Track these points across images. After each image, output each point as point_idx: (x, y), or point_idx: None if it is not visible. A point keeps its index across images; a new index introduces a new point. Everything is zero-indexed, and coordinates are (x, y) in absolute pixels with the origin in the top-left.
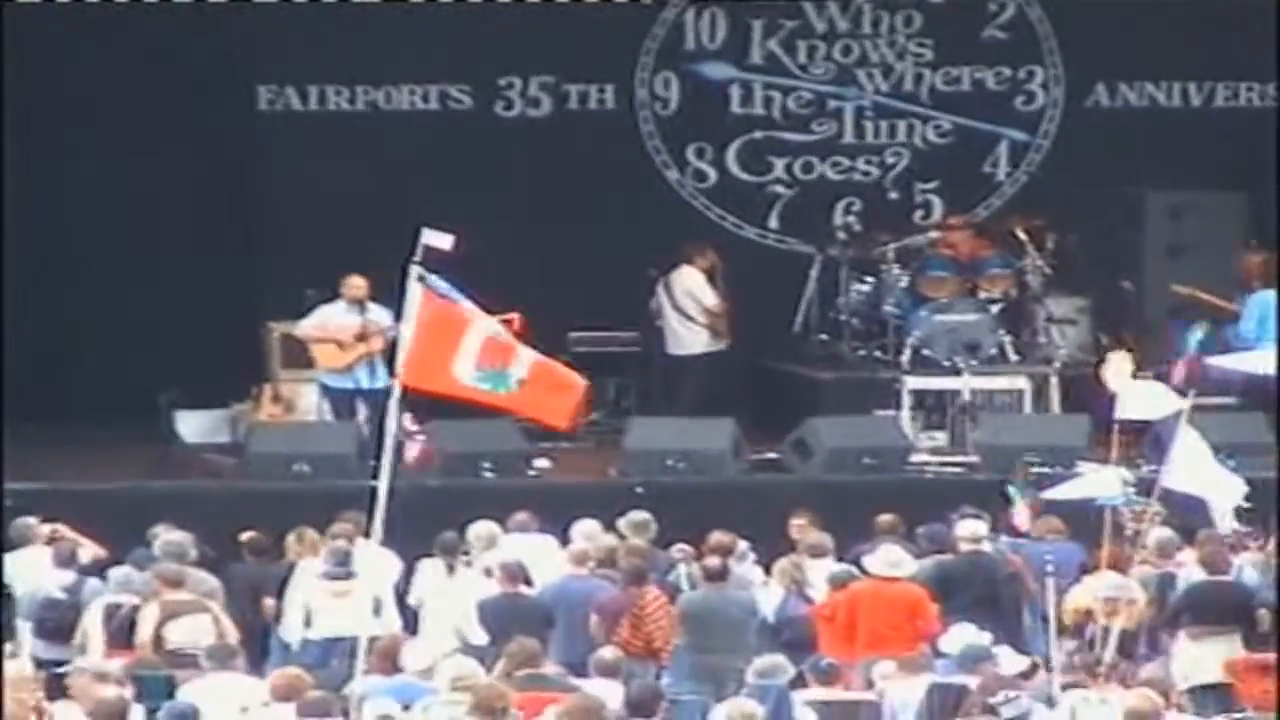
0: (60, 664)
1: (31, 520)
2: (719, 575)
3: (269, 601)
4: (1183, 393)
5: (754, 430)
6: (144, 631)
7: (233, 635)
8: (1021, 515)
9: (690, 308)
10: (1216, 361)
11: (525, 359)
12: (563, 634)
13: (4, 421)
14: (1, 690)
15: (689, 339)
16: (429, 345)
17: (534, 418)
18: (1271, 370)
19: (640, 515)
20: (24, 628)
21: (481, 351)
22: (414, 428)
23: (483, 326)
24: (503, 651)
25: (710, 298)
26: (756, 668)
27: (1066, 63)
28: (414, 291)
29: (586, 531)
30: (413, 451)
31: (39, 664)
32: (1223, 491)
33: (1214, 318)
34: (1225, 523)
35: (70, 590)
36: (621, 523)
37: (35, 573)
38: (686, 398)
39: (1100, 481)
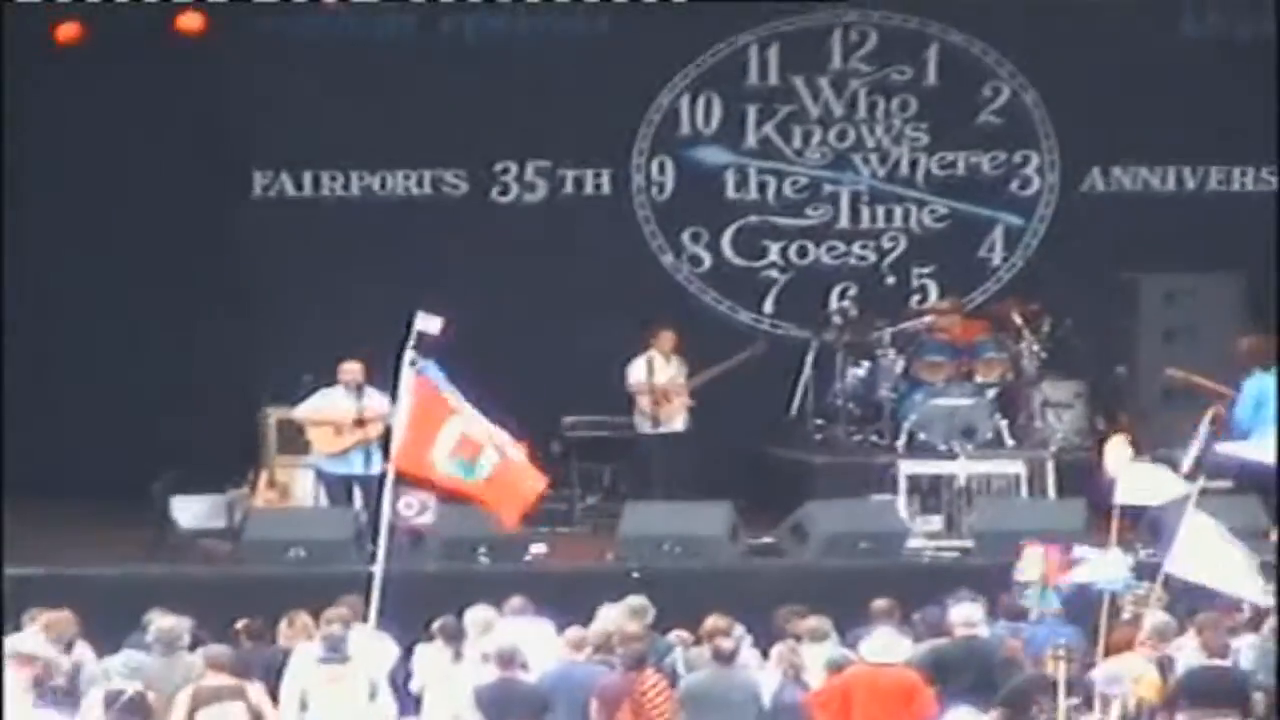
0: None
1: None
2: (729, 658)
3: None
4: (1192, 477)
5: (750, 515)
6: (175, 717)
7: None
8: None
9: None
10: (1225, 449)
11: (495, 453)
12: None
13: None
14: None
15: (640, 421)
16: (416, 430)
17: (492, 510)
18: (1270, 459)
19: (638, 600)
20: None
21: (458, 442)
22: (430, 500)
23: (463, 420)
24: None
25: (638, 378)
26: None
27: (1061, 147)
28: (407, 377)
29: (606, 616)
30: (427, 518)
31: None
32: (1239, 579)
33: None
34: (1259, 597)
35: (69, 676)
36: (618, 608)
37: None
38: (655, 479)
39: (1106, 566)
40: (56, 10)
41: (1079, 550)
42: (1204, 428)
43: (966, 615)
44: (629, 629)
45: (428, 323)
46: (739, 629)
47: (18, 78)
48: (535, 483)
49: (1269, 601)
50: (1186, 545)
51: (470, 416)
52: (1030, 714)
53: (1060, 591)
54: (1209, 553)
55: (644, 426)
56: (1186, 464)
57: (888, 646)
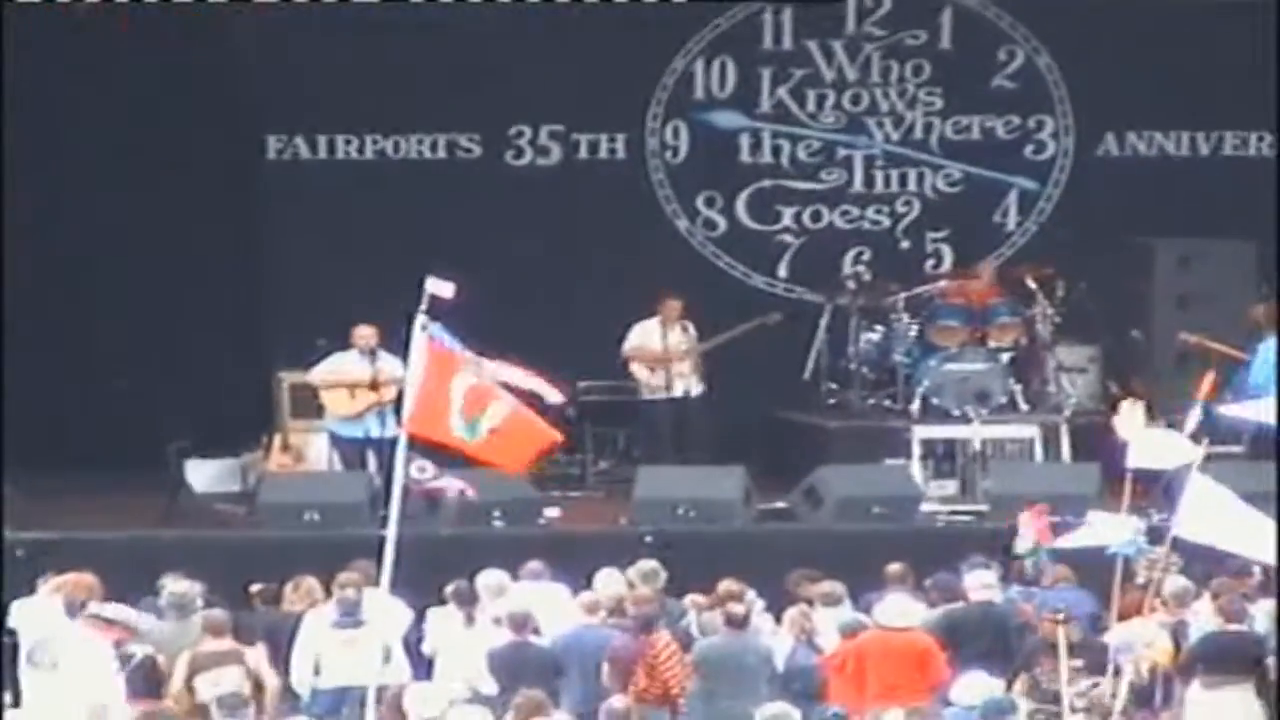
0: None
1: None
2: (741, 623)
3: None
4: (1196, 440)
5: (764, 479)
6: (174, 683)
7: (272, 685)
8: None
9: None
10: (1227, 410)
11: (501, 410)
12: (574, 683)
13: (11, 471)
14: None
15: (640, 386)
16: (430, 394)
17: (490, 463)
18: (1271, 419)
19: (649, 564)
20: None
21: (465, 400)
22: (430, 473)
23: (470, 374)
24: (510, 702)
25: (636, 343)
26: (763, 716)
27: (1076, 112)
28: (419, 340)
29: (606, 579)
30: (453, 489)
31: None
32: (1246, 539)
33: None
34: (1267, 555)
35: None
36: (631, 571)
37: (44, 620)
38: (668, 443)
39: (1111, 529)
40: None
41: (1090, 515)
42: (1204, 391)
43: (981, 580)
44: (640, 592)
45: (440, 287)
46: (750, 593)
47: (28, 40)
48: (545, 434)
49: (1272, 560)
50: (1193, 508)
51: (479, 369)
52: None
53: (1054, 553)
54: (1216, 515)
55: (644, 392)
56: (1188, 428)
57: (901, 611)
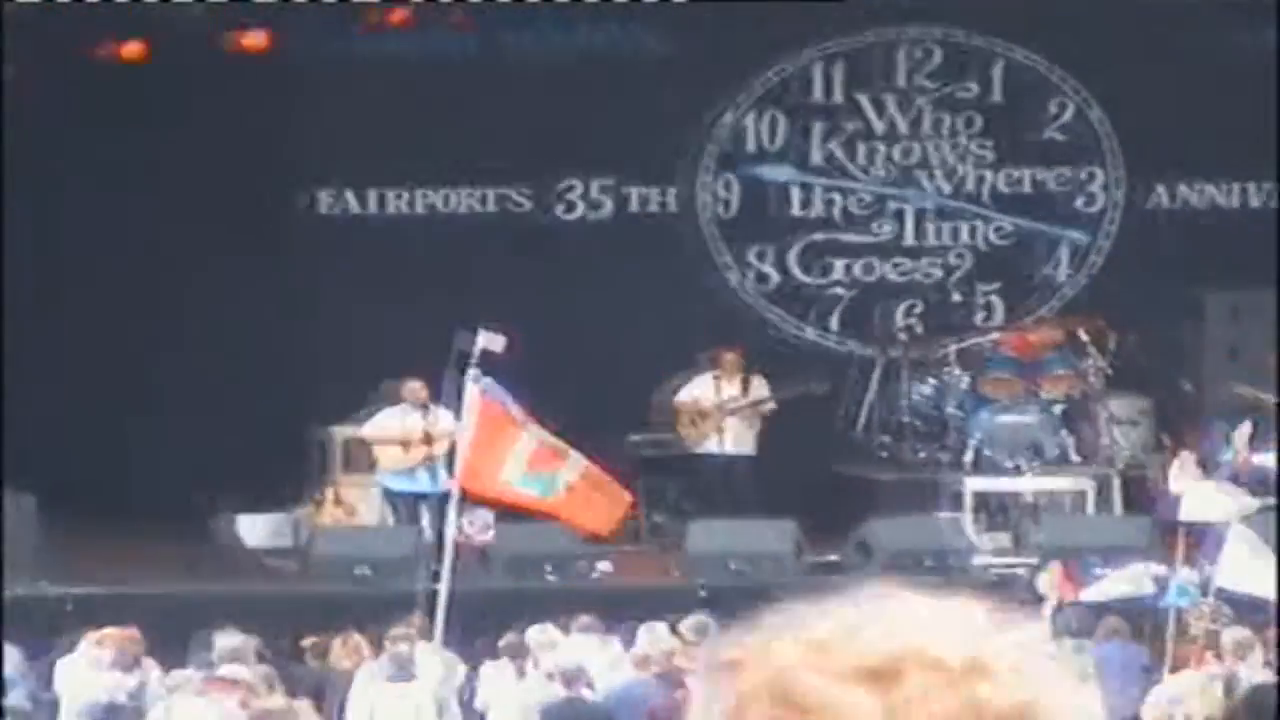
0: None
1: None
2: None
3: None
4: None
5: (815, 532)
6: None
7: None
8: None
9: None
10: (1258, 460)
11: (575, 465)
12: None
13: (63, 524)
14: None
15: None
16: (483, 449)
17: (575, 524)
18: None
19: (700, 618)
20: None
21: (532, 456)
22: (489, 517)
23: (534, 431)
24: None
25: (707, 399)
26: None
27: (1126, 163)
28: (471, 394)
29: (648, 634)
30: (489, 535)
31: None
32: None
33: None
34: None
35: (133, 695)
36: (682, 626)
37: (85, 678)
38: (720, 497)
39: (1130, 578)
40: (122, 27)
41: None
42: (1239, 441)
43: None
44: (679, 648)
45: (491, 340)
46: None
47: (79, 91)
48: (620, 494)
49: None
50: (1234, 558)
51: (538, 431)
52: None
53: (1070, 608)
54: (1254, 563)
55: (690, 445)
56: (1223, 476)
57: None
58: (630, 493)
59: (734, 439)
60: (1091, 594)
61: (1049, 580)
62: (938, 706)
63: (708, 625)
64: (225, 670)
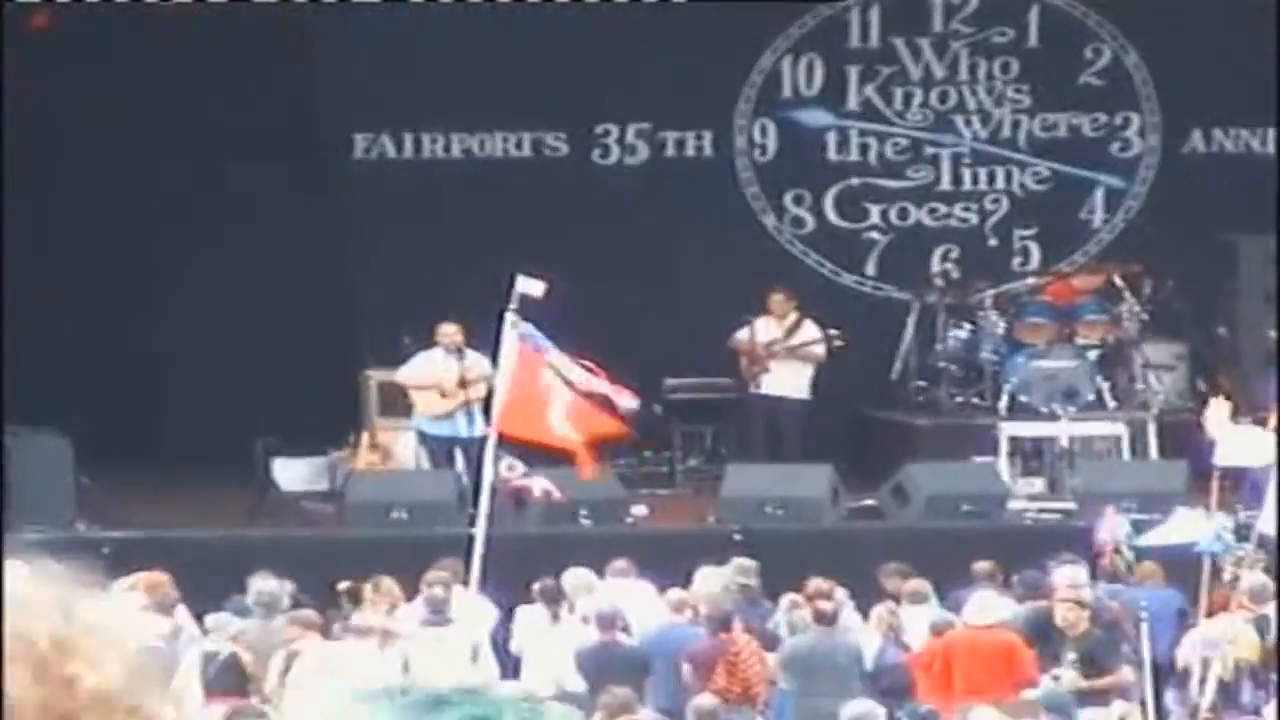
0: None
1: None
2: (830, 619)
3: None
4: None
5: (851, 477)
6: (269, 681)
7: None
8: None
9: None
10: None
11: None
12: (661, 682)
13: (97, 467)
14: None
15: (804, 383)
16: (523, 393)
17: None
18: None
19: (748, 562)
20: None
21: (569, 404)
22: (518, 470)
23: (567, 376)
24: (598, 701)
25: (741, 339)
26: (849, 714)
27: (1162, 109)
28: (509, 339)
29: (705, 578)
30: (538, 489)
31: None
32: None
33: None
34: None
35: (167, 639)
36: (728, 569)
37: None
38: (790, 441)
39: (1191, 525)
40: None
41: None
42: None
43: (1070, 577)
44: (712, 591)
45: (529, 285)
46: (840, 591)
47: (120, 34)
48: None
49: None
50: (1275, 505)
51: (560, 367)
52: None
53: (1142, 550)
54: None
55: (750, 386)
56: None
57: (986, 608)
58: (652, 438)
59: (779, 382)
60: (1151, 538)
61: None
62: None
63: (752, 569)
64: (365, 616)
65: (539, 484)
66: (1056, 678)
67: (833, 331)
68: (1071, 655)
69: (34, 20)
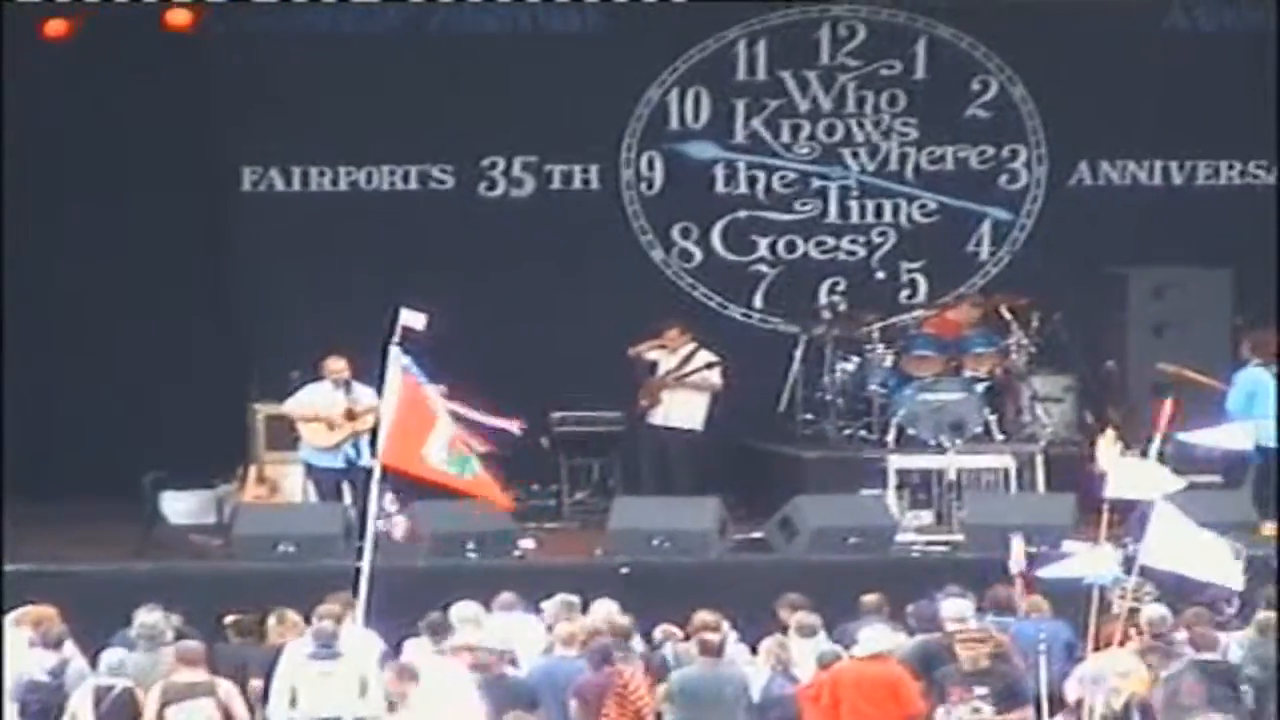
0: None
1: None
2: (716, 651)
3: (255, 683)
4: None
5: (739, 510)
6: (147, 714)
7: (242, 718)
8: None
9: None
10: (1191, 437)
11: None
12: (550, 715)
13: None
14: None
15: (698, 414)
16: (405, 426)
17: (491, 499)
18: (1248, 445)
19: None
20: (10, 710)
21: (452, 437)
22: (394, 507)
23: (446, 418)
24: None
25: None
26: None
27: (1050, 141)
28: (393, 373)
29: (557, 606)
30: (399, 530)
31: None
32: (1212, 566)
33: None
34: (1234, 582)
35: (54, 673)
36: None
37: (16, 654)
38: (679, 473)
39: (1092, 561)
40: (45, 7)
41: (1067, 545)
42: (1162, 422)
43: (957, 610)
44: (593, 625)
45: (412, 318)
46: (725, 625)
47: (8, 75)
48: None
49: (1239, 586)
50: (1159, 536)
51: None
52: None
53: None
54: (1181, 543)
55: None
56: (1150, 457)
57: (873, 640)
58: (538, 471)
59: (671, 413)
60: (1049, 572)
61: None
62: None
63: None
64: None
65: (398, 526)
66: (978, 710)
67: (714, 359)
68: (982, 690)
69: (49, 27)
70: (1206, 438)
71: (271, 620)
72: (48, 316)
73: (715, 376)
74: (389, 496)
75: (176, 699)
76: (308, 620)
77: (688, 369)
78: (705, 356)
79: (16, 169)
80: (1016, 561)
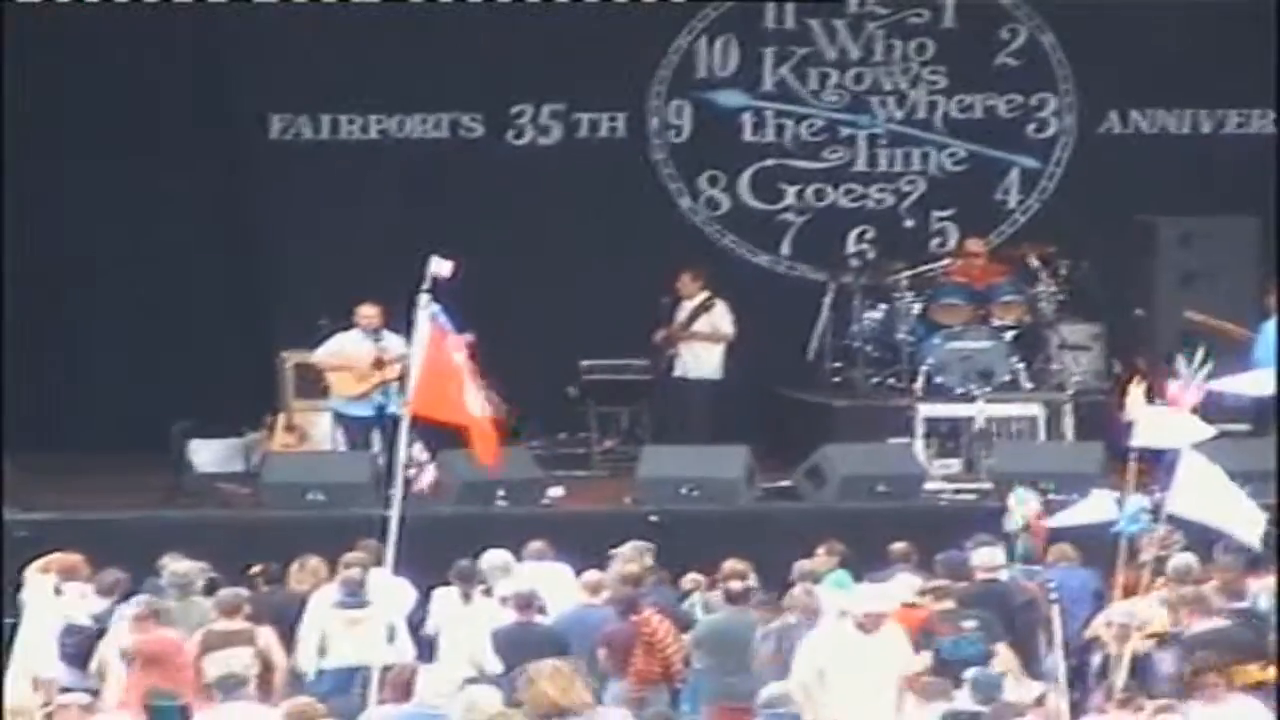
0: (85, 691)
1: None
2: (741, 598)
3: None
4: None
5: (767, 458)
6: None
7: (282, 665)
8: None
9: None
10: (1216, 385)
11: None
12: (579, 663)
13: (14, 451)
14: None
15: (714, 363)
16: (438, 374)
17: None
18: (1269, 391)
19: (639, 544)
20: (47, 654)
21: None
22: (424, 457)
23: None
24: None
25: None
26: (764, 698)
27: (1079, 90)
28: (422, 321)
29: (628, 554)
30: (425, 480)
31: (65, 690)
32: (1237, 519)
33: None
34: (1254, 539)
35: (98, 618)
36: (627, 550)
37: (41, 600)
38: (704, 422)
39: (1096, 506)
40: None
41: (1094, 494)
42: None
43: (988, 559)
44: (619, 574)
45: (441, 266)
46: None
47: (25, 24)
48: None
49: (1257, 547)
50: (1186, 485)
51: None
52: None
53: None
54: (1208, 493)
55: (717, 372)
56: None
57: (905, 587)
58: (567, 419)
59: (690, 363)
60: (1061, 519)
61: (1024, 508)
62: None
63: (643, 551)
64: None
65: (425, 476)
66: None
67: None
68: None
69: None
70: (1230, 384)
71: (294, 566)
72: (77, 266)
73: (727, 326)
74: (417, 445)
75: (215, 647)
76: (331, 568)
77: (696, 327)
78: (721, 308)
79: (35, 121)
80: (1014, 517)
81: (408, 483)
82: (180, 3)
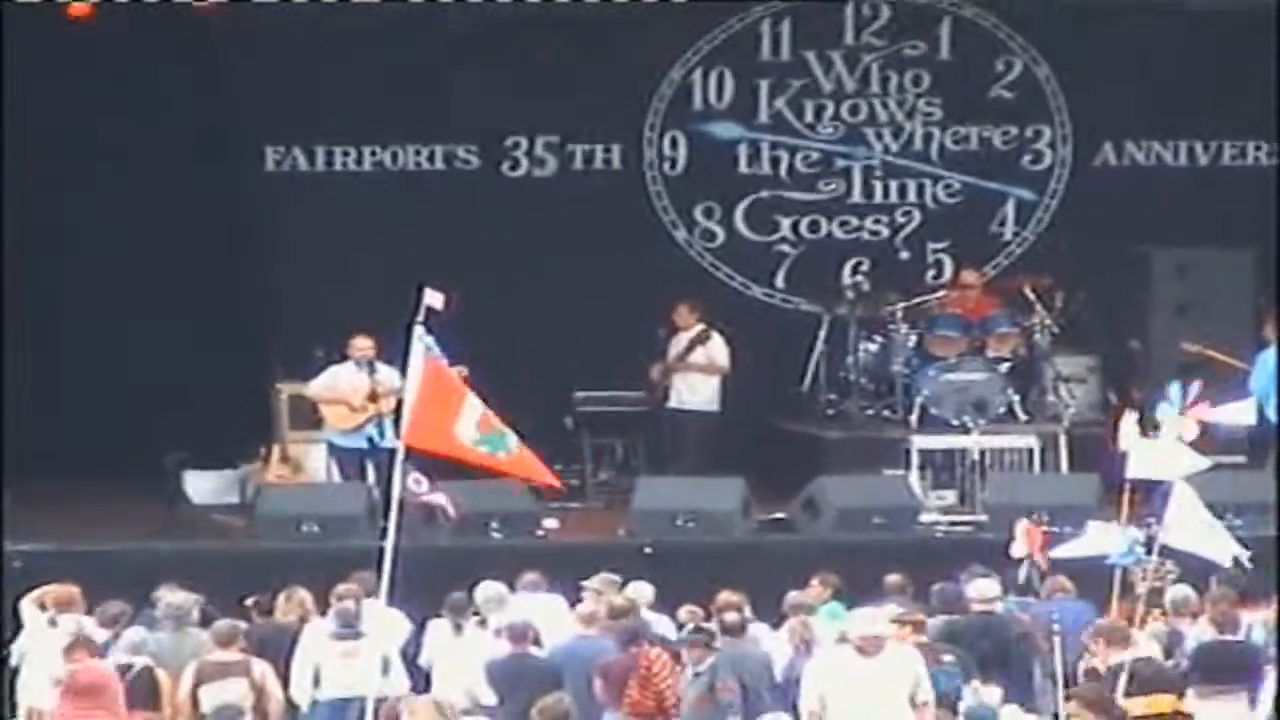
0: None
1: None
2: (738, 630)
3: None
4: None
5: (763, 490)
6: (180, 693)
7: (277, 697)
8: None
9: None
10: (1204, 416)
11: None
12: (572, 695)
13: (9, 481)
14: None
15: (710, 395)
16: (431, 406)
17: (530, 478)
18: (1252, 421)
19: (605, 576)
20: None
21: (481, 417)
22: (421, 488)
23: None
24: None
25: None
26: None
27: (1073, 122)
28: (416, 352)
29: (599, 586)
30: (440, 497)
31: None
32: (1213, 548)
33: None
34: (1225, 559)
35: (100, 651)
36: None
37: (34, 632)
38: (699, 454)
39: (1105, 539)
40: None
41: (1090, 525)
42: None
43: (983, 590)
44: (616, 603)
45: (434, 298)
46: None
47: (24, 55)
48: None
49: (1228, 563)
50: (1176, 516)
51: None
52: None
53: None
54: (1195, 522)
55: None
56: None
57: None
58: (562, 451)
59: (685, 395)
60: (1063, 551)
61: (1023, 537)
62: None
63: (615, 583)
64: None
65: (440, 500)
66: (976, 689)
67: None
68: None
69: (73, 9)
70: (1215, 415)
71: (280, 599)
72: (73, 296)
73: (722, 358)
74: (413, 475)
75: (210, 679)
76: (322, 600)
77: (691, 359)
78: (716, 339)
79: (31, 145)
80: (1020, 545)
81: (417, 506)
82: (177, 37)
